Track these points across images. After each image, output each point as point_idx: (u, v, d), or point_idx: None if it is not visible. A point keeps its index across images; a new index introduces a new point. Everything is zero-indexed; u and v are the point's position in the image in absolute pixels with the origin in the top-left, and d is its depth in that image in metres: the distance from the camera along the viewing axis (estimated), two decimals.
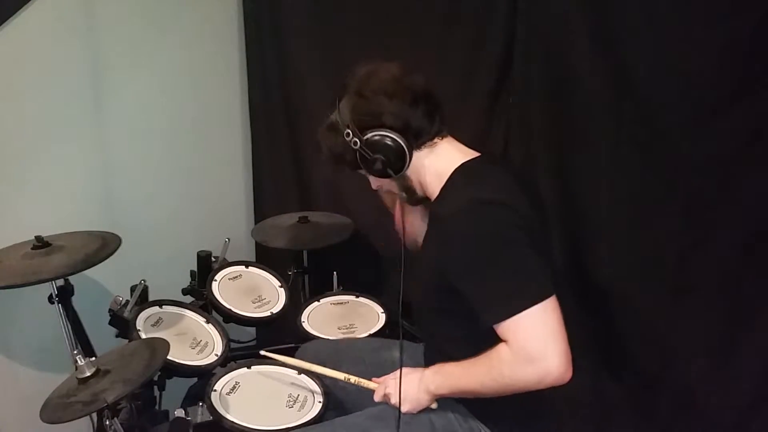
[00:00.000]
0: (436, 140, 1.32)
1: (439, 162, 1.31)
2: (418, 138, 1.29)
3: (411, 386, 1.29)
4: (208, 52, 2.27)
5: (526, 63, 1.81)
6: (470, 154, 1.34)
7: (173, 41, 2.15)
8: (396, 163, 1.28)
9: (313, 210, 2.24)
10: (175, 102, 2.20)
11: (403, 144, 1.26)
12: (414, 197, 1.37)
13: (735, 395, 1.61)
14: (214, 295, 1.83)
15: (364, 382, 1.40)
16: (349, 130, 1.28)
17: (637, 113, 1.63)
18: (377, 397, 1.36)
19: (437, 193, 1.32)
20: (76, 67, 1.92)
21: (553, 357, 1.12)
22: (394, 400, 1.31)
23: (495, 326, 1.16)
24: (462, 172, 1.30)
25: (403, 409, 1.29)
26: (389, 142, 1.26)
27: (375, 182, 1.41)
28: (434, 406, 1.32)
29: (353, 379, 1.41)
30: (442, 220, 1.26)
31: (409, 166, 1.30)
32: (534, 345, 1.13)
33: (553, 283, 1.17)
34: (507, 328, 1.14)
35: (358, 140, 1.27)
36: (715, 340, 1.62)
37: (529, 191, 1.33)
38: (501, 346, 1.16)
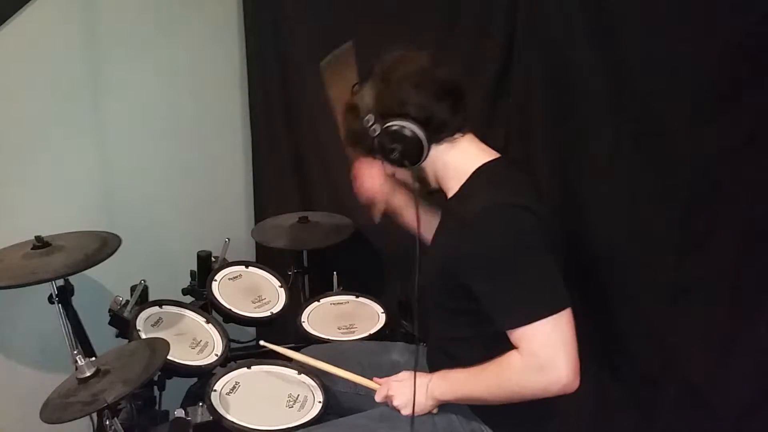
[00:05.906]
0: (457, 136, 1.30)
1: (459, 159, 1.30)
2: (440, 131, 1.27)
3: (418, 392, 1.27)
4: (208, 52, 2.27)
5: (525, 63, 1.81)
6: (491, 154, 1.33)
7: (173, 41, 2.15)
8: (413, 154, 1.25)
9: (313, 210, 2.24)
10: (175, 102, 2.20)
11: (422, 136, 1.24)
12: (427, 188, 1.35)
13: (735, 395, 1.60)
14: (214, 295, 1.83)
15: (365, 382, 1.40)
16: (371, 116, 1.25)
17: (637, 113, 1.63)
18: (379, 398, 1.35)
19: (455, 189, 1.31)
20: (76, 67, 1.92)
21: (563, 366, 1.12)
22: (396, 403, 1.30)
23: (509, 332, 1.15)
24: (484, 172, 1.28)
25: (406, 412, 1.28)
26: (408, 133, 1.23)
27: (389, 169, 1.39)
28: (435, 411, 1.31)
29: (353, 377, 1.41)
30: (464, 221, 1.23)
31: (426, 158, 1.28)
32: (546, 353, 1.13)
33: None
34: (522, 334, 1.14)
35: (377, 127, 1.24)
36: (715, 340, 1.61)
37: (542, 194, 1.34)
38: (511, 354, 1.16)
